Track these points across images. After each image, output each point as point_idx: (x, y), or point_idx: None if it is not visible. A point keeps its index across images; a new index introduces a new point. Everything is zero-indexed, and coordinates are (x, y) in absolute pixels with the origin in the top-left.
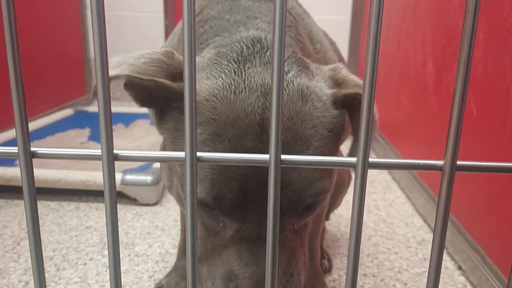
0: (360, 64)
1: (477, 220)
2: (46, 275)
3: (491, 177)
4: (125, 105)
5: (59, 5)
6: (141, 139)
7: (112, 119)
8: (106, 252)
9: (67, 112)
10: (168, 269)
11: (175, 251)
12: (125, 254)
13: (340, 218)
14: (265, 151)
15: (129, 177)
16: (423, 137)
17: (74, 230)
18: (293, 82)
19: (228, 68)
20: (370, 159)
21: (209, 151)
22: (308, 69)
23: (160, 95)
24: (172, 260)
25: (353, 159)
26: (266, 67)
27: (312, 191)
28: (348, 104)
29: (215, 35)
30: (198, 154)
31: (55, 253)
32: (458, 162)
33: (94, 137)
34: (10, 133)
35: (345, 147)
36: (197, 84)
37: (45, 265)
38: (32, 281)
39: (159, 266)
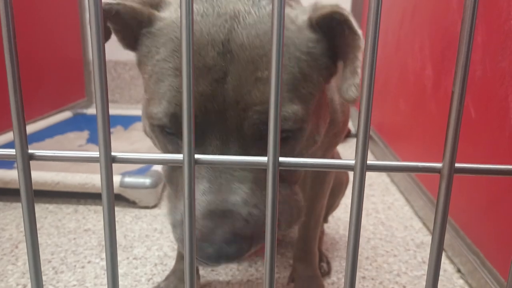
0: None
1: (476, 223)
2: (44, 278)
3: (490, 180)
4: (124, 107)
5: (59, 7)
6: (140, 142)
7: (111, 121)
8: (104, 255)
9: (66, 114)
10: (167, 272)
11: (173, 254)
12: (123, 257)
13: (338, 221)
14: (227, 69)
15: (128, 179)
16: (422, 140)
17: (73, 233)
18: (265, 8)
19: (200, 0)
20: (368, 162)
21: (169, 68)
22: (287, 3)
23: (134, 23)
24: (170, 263)
25: (351, 161)
26: None
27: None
28: (329, 29)
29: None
30: (196, 156)
31: (53, 256)
32: (457, 165)
33: (93, 139)
34: (9, 136)
35: (342, 149)
36: (168, 13)
37: (43, 268)
38: (30, 284)
39: (158, 269)
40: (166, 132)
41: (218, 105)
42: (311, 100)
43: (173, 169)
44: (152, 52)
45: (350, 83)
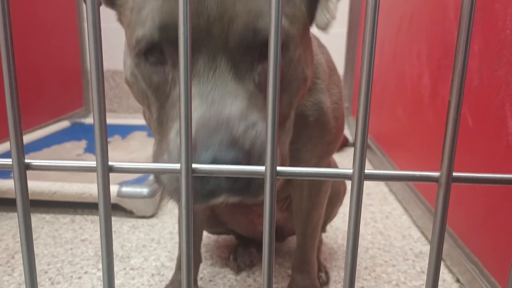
0: (356, 76)
1: (475, 232)
2: None
3: (487, 189)
4: (122, 117)
5: (57, 17)
6: (138, 151)
7: (109, 131)
8: (101, 265)
9: (64, 124)
10: (164, 283)
11: (171, 264)
12: (120, 267)
13: (337, 231)
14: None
15: (125, 189)
16: (420, 149)
17: (69, 243)
18: None
19: None
20: (366, 171)
21: None
22: None
23: None
24: (168, 273)
25: (349, 171)
26: None
27: (265, 21)
28: None
29: None
30: (194, 165)
31: (50, 267)
32: (454, 174)
33: (90, 149)
34: (6, 146)
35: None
36: None
37: (39, 279)
38: None
39: (155, 280)
40: (151, 63)
41: (203, 22)
42: (296, 22)
43: (160, 103)
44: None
45: (322, 7)
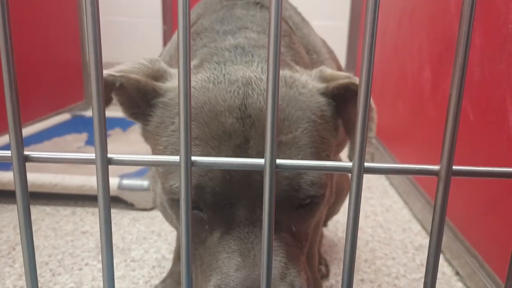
0: (357, 70)
1: (474, 226)
2: (42, 280)
3: (488, 182)
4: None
5: (57, 9)
6: (138, 144)
7: (109, 123)
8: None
9: (64, 116)
10: (165, 275)
11: (171, 256)
12: (121, 259)
13: (337, 224)
14: (249, 135)
15: (126, 181)
16: (420, 143)
17: (70, 235)
18: None
19: (209, 67)
20: (366, 164)
21: None
22: (293, 68)
23: (138, 95)
24: (168, 265)
25: (349, 164)
26: (248, 64)
27: (306, 179)
28: (341, 97)
29: (203, 46)
30: (193, 158)
31: (51, 258)
32: (454, 167)
33: (91, 141)
34: (6, 139)
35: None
36: (176, 83)
37: (40, 270)
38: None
39: (155, 272)
40: None
41: (242, 174)
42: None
43: (196, 245)
44: (166, 123)
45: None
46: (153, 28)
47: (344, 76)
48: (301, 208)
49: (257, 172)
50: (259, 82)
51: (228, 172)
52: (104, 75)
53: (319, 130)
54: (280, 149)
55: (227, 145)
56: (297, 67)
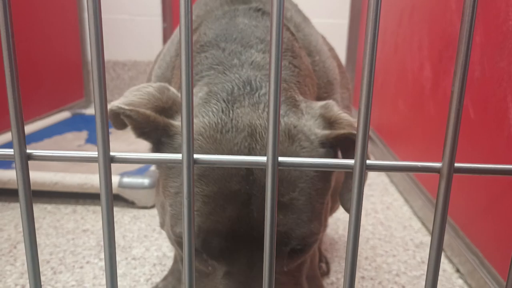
0: (357, 68)
1: (475, 223)
2: (43, 278)
3: (489, 180)
4: None
5: (57, 7)
6: (139, 142)
7: (109, 122)
8: (103, 255)
9: (65, 115)
10: (165, 273)
11: (172, 254)
12: (122, 257)
13: (338, 221)
14: (251, 192)
15: (126, 180)
16: (421, 141)
17: (71, 233)
18: (281, 123)
19: (216, 107)
20: (368, 161)
21: (196, 193)
22: (297, 108)
23: (147, 127)
24: (169, 263)
25: (351, 161)
26: (255, 107)
27: (298, 234)
28: (340, 143)
29: (209, 67)
30: (195, 156)
31: (52, 257)
32: (456, 164)
33: (91, 140)
34: (7, 136)
35: None
36: None
37: (41, 269)
38: (28, 285)
39: (156, 269)
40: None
41: (245, 227)
42: (323, 208)
43: (199, 276)
44: (177, 169)
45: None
46: (152, 26)
47: (346, 123)
48: (293, 252)
49: (257, 230)
50: (263, 133)
51: (231, 228)
52: (113, 108)
53: (315, 183)
54: (279, 210)
55: (232, 203)
56: (300, 98)
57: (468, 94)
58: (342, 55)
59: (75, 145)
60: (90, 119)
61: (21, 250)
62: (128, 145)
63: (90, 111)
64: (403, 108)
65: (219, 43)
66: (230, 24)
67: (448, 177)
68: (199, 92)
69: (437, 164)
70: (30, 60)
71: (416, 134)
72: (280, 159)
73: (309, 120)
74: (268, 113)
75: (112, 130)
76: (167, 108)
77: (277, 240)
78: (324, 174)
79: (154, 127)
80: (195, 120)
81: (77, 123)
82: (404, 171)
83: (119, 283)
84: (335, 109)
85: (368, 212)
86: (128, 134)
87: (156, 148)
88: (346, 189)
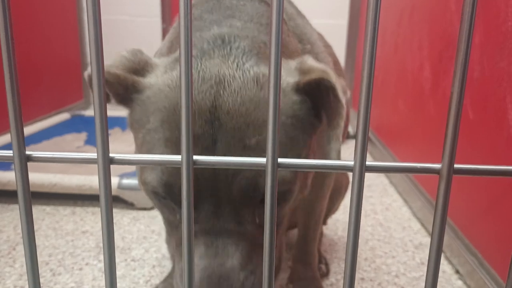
0: (357, 68)
1: (475, 224)
2: (42, 280)
3: (488, 181)
4: (121, 109)
5: (57, 9)
6: None
7: (109, 123)
8: (102, 257)
9: (64, 116)
10: (165, 274)
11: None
12: (121, 258)
13: (337, 222)
14: (216, 137)
15: (126, 181)
16: (421, 141)
17: (70, 235)
18: (249, 71)
19: None
20: (367, 163)
21: (159, 138)
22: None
23: (120, 89)
24: (168, 264)
25: (350, 162)
26: (224, 58)
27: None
28: (315, 92)
29: None
30: (195, 157)
31: (51, 258)
32: (456, 166)
33: (90, 141)
34: (6, 138)
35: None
36: (154, 78)
37: (40, 270)
38: (27, 286)
39: (156, 271)
40: (161, 197)
41: (208, 172)
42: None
43: (171, 229)
44: (142, 120)
45: (331, 147)
46: (152, 27)
47: (318, 70)
48: (263, 202)
49: (222, 175)
50: (231, 81)
51: (196, 173)
52: (89, 73)
53: (287, 131)
54: (244, 152)
55: (195, 147)
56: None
57: (468, 94)
58: (341, 55)
59: (75, 147)
60: (89, 121)
61: (20, 251)
62: (128, 146)
63: (89, 112)
64: (402, 108)
65: (202, 15)
66: (216, 4)
67: (448, 178)
68: (174, 54)
69: (437, 165)
70: (30, 61)
71: (416, 135)
72: (280, 160)
73: (282, 72)
74: (268, 112)
75: (111, 131)
76: (139, 69)
77: (245, 187)
78: (299, 122)
79: (125, 86)
80: (164, 75)
81: (77, 124)
82: (404, 172)
83: (118, 284)
84: (310, 61)
85: (367, 213)
86: (128, 136)
87: (130, 109)
88: (327, 141)
